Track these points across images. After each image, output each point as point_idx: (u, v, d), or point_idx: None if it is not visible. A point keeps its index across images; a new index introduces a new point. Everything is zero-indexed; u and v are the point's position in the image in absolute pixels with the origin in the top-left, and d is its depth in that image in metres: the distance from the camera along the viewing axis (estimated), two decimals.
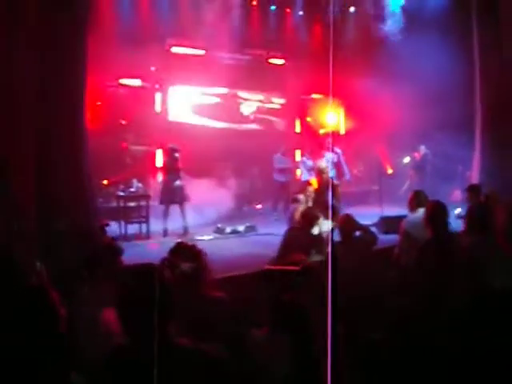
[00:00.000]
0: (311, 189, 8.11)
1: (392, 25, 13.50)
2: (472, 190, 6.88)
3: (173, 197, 9.17)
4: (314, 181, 8.31)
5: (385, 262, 4.98)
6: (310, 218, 5.64)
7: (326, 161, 9.40)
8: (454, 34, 12.15)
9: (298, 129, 15.82)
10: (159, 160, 10.81)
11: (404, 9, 13.89)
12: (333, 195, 8.12)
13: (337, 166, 9.82)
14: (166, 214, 9.24)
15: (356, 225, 5.01)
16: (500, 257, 4.23)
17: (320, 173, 8.20)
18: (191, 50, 13.52)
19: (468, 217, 4.42)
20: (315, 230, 5.57)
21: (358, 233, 5.01)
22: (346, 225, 4.89)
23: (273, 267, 2.28)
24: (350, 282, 3.83)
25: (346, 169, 10.03)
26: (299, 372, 2.13)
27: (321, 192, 8.11)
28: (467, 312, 3.23)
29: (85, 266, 3.10)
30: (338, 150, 10.13)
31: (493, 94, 11.71)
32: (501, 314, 2.97)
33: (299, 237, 5.45)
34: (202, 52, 13.63)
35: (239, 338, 2.52)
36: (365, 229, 5.21)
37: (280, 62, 15.36)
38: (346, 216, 5.04)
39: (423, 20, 13.09)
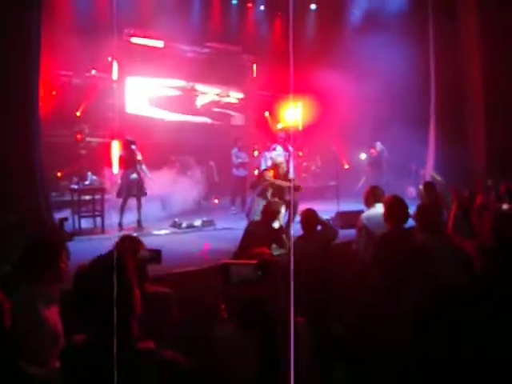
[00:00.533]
0: (270, 173, 8.15)
1: (352, 23, 13.66)
2: (426, 188, 7.04)
3: (130, 190, 9.00)
4: (270, 173, 8.30)
5: (343, 257, 5.03)
6: (271, 212, 5.64)
7: (283, 155, 9.46)
8: (412, 32, 12.42)
9: (255, 124, 15.84)
10: (115, 152, 10.58)
11: (364, 7, 14.08)
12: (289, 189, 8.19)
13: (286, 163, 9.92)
14: (123, 208, 9.06)
15: (318, 219, 5.03)
16: (449, 254, 4.35)
17: (276, 167, 8.22)
18: (150, 41, 13.30)
19: (419, 215, 4.48)
20: (276, 224, 5.59)
21: (319, 227, 5.03)
22: (309, 219, 4.89)
23: (229, 261, 2.23)
24: (312, 276, 3.86)
25: (292, 169, 10.08)
26: (262, 367, 2.11)
27: (278, 186, 8.15)
28: (423, 307, 3.30)
29: (21, 263, 2.95)
30: (290, 149, 10.23)
31: (447, 92, 12.06)
32: (454, 310, 3.04)
33: (260, 231, 5.44)
34: (161, 44, 13.44)
35: (202, 333, 2.48)
36: (326, 223, 5.23)
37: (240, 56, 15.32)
38: (309, 210, 5.04)
39: (382, 18, 13.32)
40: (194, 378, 1.93)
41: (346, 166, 14.99)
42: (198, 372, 2.00)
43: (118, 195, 9.10)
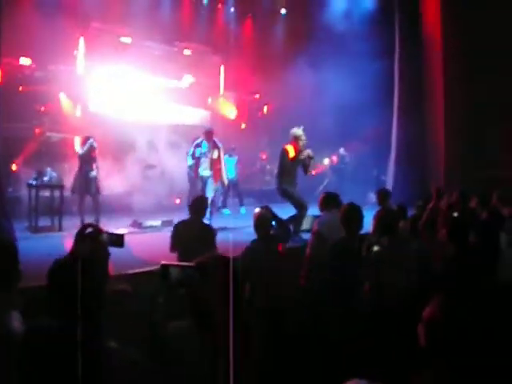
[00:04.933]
0: (290, 148, 7.63)
1: (322, 27, 13.78)
2: (381, 194, 7.17)
3: (86, 187, 8.81)
4: (290, 148, 7.83)
5: (296, 261, 5.01)
6: (202, 207, 5.35)
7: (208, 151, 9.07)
8: (380, 35, 12.69)
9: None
10: (76, 148, 10.37)
11: (332, 17, 14.23)
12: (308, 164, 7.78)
13: (216, 162, 9.21)
14: (81, 205, 8.86)
15: (274, 217, 4.67)
16: (402, 257, 4.46)
17: (297, 139, 7.76)
18: (117, 36, 13.11)
19: (376, 219, 4.57)
20: (206, 220, 5.39)
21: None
22: (263, 220, 4.54)
23: (168, 263, 2.26)
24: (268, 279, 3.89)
25: (223, 168, 9.39)
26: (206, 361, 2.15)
27: (297, 160, 7.69)
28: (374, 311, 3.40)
29: None
30: (220, 145, 9.32)
31: (409, 99, 12.39)
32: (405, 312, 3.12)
33: (191, 228, 5.12)
34: (128, 40, 13.26)
35: (155, 329, 2.50)
36: (282, 222, 4.90)
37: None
38: (263, 209, 4.72)
39: (351, 22, 13.57)
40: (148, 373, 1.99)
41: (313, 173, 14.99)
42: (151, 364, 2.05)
43: (73, 191, 8.92)
